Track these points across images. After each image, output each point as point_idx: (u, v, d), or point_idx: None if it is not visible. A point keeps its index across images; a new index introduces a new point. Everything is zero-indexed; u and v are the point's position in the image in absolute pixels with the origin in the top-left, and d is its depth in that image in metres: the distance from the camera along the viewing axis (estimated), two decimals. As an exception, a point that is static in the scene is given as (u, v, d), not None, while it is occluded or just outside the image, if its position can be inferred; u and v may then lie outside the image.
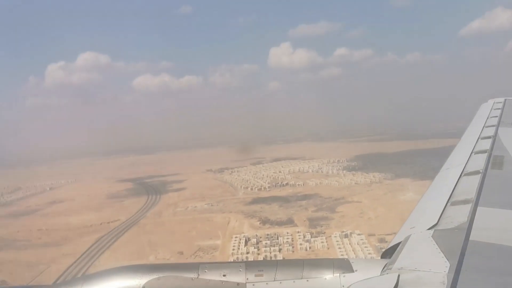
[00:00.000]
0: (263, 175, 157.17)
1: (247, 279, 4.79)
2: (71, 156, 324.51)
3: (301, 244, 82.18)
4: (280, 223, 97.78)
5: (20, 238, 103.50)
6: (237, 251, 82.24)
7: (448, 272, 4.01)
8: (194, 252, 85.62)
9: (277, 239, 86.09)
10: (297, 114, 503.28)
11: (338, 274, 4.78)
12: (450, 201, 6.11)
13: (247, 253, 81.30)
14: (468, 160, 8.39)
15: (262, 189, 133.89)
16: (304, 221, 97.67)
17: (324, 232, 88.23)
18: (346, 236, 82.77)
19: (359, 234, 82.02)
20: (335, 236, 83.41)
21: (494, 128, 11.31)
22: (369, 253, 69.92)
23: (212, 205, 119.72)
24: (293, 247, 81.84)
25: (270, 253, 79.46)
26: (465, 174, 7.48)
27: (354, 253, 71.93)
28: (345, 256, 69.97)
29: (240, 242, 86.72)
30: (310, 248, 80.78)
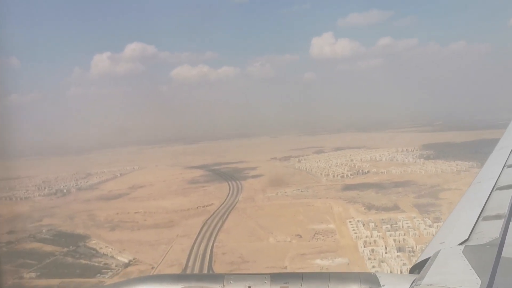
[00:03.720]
0: (336, 163, 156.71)
1: None
2: (114, 145, 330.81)
3: (425, 229, 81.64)
4: (386, 209, 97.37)
5: (124, 220, 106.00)
6: (361, 235, 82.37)
7: None
8: (313, 236, 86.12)
9: (396, 224, 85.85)
10: (335, 105, 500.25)
11: None
12: (482, 216, 5.95)
13: (371, 236, 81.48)
14: (500, 174, 8.11)
15: (345, 176, 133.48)
16: (411, 207, 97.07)
17: (441, 218, 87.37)
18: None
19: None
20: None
21: None
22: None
23: (302, 191, 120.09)
24: (418, 231, 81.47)
25: (397, 237, 79.37)
26: (498, 188, 7.26)
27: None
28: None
29: (357, 226, 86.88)
30: (436, 233, 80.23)
